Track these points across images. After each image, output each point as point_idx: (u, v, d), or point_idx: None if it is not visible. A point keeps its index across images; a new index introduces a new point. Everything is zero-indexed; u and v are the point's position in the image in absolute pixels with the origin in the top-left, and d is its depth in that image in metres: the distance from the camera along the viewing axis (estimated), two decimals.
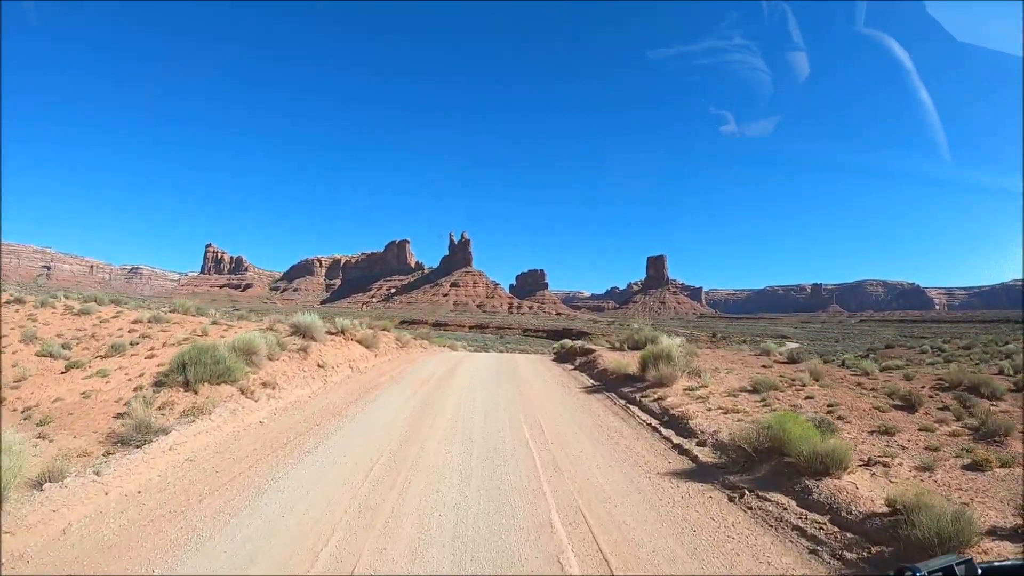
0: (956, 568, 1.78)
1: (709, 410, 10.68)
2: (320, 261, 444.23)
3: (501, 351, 48.58)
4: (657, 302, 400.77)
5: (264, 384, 11.36)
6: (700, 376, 13.92)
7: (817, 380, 13.20)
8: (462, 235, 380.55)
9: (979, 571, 1.82)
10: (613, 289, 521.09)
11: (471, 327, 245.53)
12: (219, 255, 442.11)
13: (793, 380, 13.34)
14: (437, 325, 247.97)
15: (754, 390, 12.31)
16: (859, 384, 12.79)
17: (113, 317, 18.00)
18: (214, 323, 18.59)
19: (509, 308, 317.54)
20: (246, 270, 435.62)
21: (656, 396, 12.39)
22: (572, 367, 21.31)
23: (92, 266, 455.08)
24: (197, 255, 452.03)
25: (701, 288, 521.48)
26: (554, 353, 30.29)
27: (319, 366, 14.50)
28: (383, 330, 24.42)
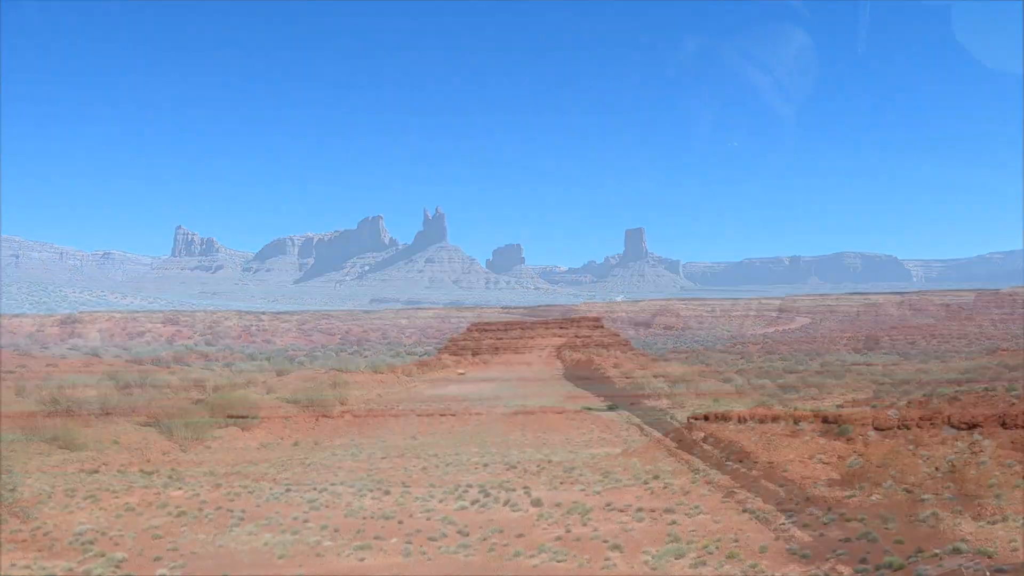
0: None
1: None
2: (293, 240, 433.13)
3: None
4: (636, 275, 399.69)
5: None
6: None
7: None
8: (436, 210, 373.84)
9: None
10: (591, 263, 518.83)
11: (445, 305, 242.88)
12: (190, 236, 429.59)
13: None
14: (411, 303, 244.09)
15: None
16: None
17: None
18: None
19: (486, 283, 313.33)
20: (217, 251, 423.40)
21: None
22: None
23: (62, 253, 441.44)
24: (168, 237, 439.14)
25: (679, 261, 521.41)
26: None
27: None
28: None
